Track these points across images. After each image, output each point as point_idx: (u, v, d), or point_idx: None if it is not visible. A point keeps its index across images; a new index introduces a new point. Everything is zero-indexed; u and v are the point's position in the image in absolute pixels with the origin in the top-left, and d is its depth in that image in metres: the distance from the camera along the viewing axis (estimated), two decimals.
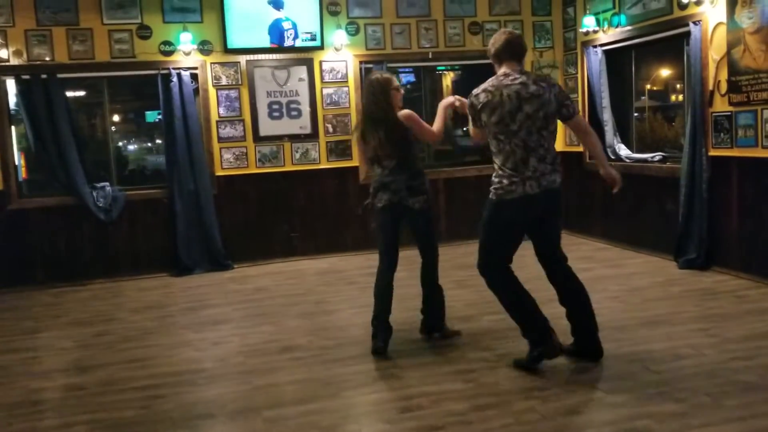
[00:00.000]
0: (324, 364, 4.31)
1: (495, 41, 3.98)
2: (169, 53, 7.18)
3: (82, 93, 7.70)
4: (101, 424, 3.59)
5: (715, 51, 5.82)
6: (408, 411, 3.52)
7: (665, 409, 3.35)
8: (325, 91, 7.63)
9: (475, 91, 3.95)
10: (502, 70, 3.94)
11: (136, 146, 8.30)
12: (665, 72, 7.54)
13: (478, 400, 3.59)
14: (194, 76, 7.27)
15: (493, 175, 3.96)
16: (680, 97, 7.34)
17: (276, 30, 7.36)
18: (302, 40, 7.42)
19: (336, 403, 3.71)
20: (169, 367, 4.40)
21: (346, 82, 7.67)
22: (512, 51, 3.93)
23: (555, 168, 3.95)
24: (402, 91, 4.57)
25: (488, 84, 3.90)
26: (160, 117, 7.65)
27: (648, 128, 7.48)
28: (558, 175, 3.97)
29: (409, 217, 4.50)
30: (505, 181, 3.87)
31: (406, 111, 4.43)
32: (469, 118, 4.04)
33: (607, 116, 7.42)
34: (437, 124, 4.49)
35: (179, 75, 7.13)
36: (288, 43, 7.39)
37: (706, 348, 4.16)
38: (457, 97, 4.55)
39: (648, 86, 7.60)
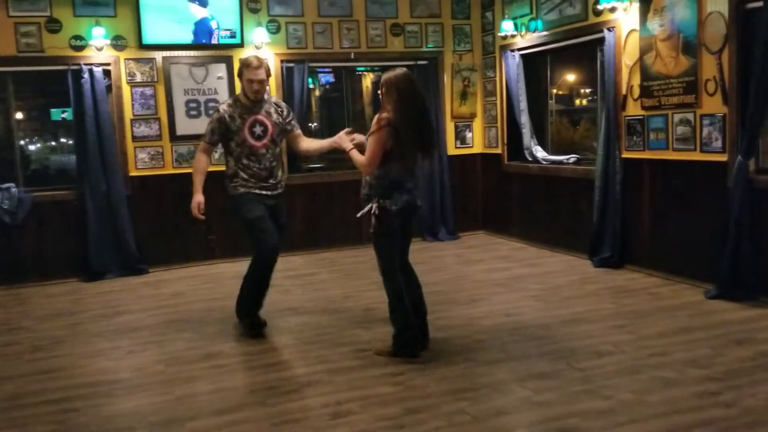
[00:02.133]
0: (248, 371, 4.20)
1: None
2: (81, 48, 6.86)
3: None
4: None
5: (628, 57, 6.02)
6: (338, 417, 3.46)
7: (592, 407, 3.42)
8: None
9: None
10: None
11: (43, 145, 7.88)
12: (579, 76, 7.76)
13: (409, 403, 3.56)
14: (107, 73, 6.96)
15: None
16: (584, 102, 7.61)
17: (204, 29, 7.16)
18: (222, 38, 7.24)
19: (263, 412, 3.61)
20: (83, 378, 4.17)
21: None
22: None
23: None
24: None
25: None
26: (63, 115, 7.32)
27: (555, 131, 7.68)
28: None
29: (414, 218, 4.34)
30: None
31: None
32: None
33: (524, 119, 7.58)
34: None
35: (91, 71, 6.81)
36: (215, 41, 7.21)
37: (625, 345, 4.28)
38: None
39: (561, 90, 7.80)
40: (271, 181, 4.87)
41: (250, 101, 4.81)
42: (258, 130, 4.79)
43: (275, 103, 5.00)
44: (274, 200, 4.93)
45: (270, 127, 4.81)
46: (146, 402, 3.78)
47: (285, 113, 4.97)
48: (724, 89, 5.15)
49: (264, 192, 4.84)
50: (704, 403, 3.43)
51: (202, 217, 4.98)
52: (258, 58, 4.83)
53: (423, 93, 4.29)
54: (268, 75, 4.83)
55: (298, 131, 5.07)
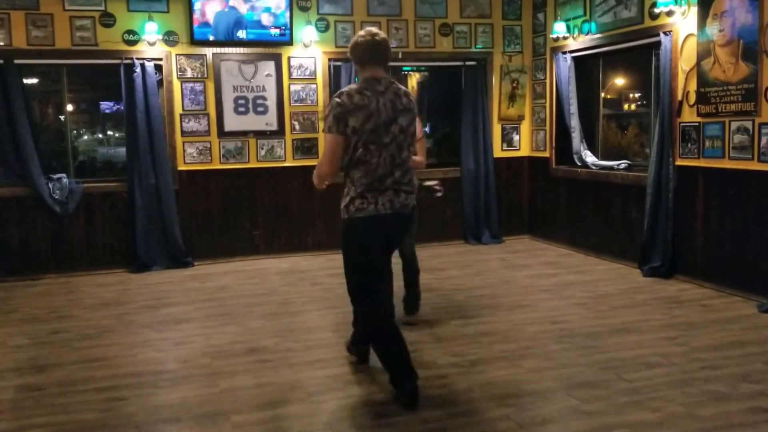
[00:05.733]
0: (292, 367, 4.20)
1: (356, 43, 3.60)
2: (133, 43, 6.97)
3: (39, 80, 7.41)
4: (61, 427, 3.42)
5: (685, 62, 5.88)
6: (382, 417, 3.44)
7: (641, 419, 3.34)
8: (293, 87, 7.50)
9: (345, 90, 3.53)
10: (368, 74, 3.59)
11: (95, 137, 8.04)
12: (629, 81, 7.62)
13: (452, 407, 3.53)
14: (158, 68, 7.06)
15: (345, 191, 3.60)
16: (633, 106, 7.45)
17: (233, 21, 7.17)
18: (272, 35, 7.28)
19: (306, 408, 3.61)
20: (131, 368, 4.23)
21: (315, 79, 7.55)
22: (377, 54, 3.58)
23: (412, 189, 3.70)
24: None
25: (361, 86, 3.53)
26: (113, 107, 7.45)
27: (603, 136, 7.54)
28: (413, 198, 3.72)
29: None
30: (357, 200, 3.53)
31: None
32: (326, 122, 3.52)
33: (574, 123, 7.47)
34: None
35: (143, 65, 6.92)
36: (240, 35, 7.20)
37: (675, 357, 4.18)
38: None
39: (609, 94, 7.65)
40: None
41: None
42: None
43: None
44: None
45: None
46: (192, 394, 3.81)
47: None
48: None
49: None
50: (757, 419, 3.33)
51: None
52: None
53: None
54: None
55: None
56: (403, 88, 3.69)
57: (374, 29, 3.65)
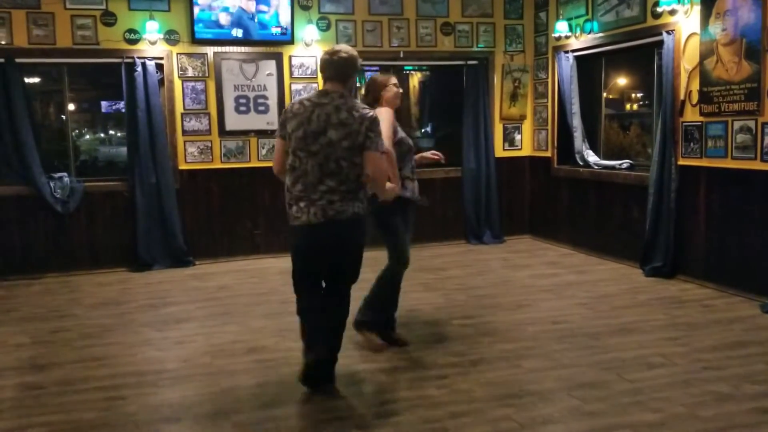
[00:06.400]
0: (292, 366, 4.17)
1: (321, 58, 3.81)
2: (134, 42, 6.96)
3: (40, 79, 7.41)
4: (60, 426, 3.42)
5: (688, 61, 5.86)
6: (382, 417, 3.43)
7: (642, 419, 3.33)
8: (294, 86, 7.49)
9: (296, 99, 4.03)
10: (326, 87, 3.75)
11: (96, 136, 8.04)
12: (631, 80, 7.60)
13: (454, 407, 3.52)
14: (159, 67, 7.05)
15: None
16: (635, 106, 7.43)
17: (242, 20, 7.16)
18: (273, 35, 7.26)
19: (307, 408, 3.61)
20: (131, 367, 4.23)
21: (316, 78, 7.54)
22: (335, 71, 3.72)
23: (351, 198, 3.67)
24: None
25: (308, 96, 3.77)
26: (115, 107, 7.44)
27: (605, 135, 7.52)
28: (357, 206, 3.70)
29: None
30: (293, 206, 3.69)
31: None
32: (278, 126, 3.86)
33: (576, 122, 7.45)
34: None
35: (144, 64, 6.91)
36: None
37: (676, 357, 4.16)
38: None
39: (611, 94, 7.64)
40: None
41: None
42: None
43: None
44: None
45: None
46: (192, 393, 3.80)
47: None
48: None
49: None
50: (759, 420, 3.32)
51: None
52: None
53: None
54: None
55: None
56: (355, 104, 3.67)
57: (340, 46, 3.81)
